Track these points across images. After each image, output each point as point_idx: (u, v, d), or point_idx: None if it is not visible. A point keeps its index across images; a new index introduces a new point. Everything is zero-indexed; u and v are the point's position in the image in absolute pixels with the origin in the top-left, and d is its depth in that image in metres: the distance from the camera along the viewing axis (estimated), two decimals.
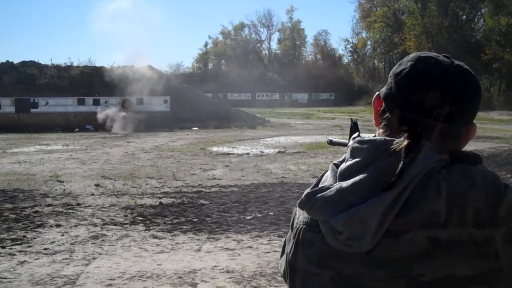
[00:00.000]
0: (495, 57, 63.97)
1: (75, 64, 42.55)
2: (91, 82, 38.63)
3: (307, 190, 1.40)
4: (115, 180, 14.28)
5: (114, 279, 6.84)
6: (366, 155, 1.34)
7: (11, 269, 7.25)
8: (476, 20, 76.07)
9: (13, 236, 8.85)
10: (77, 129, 33.02)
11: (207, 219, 10.01)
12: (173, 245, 8.39)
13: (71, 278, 6.89)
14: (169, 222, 9.82)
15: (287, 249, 1.50)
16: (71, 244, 8.45)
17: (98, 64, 42.77)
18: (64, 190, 12.83)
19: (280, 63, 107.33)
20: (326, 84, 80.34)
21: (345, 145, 2.29)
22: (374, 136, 1.44)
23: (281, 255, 1.62)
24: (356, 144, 1.38)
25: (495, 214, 1.26)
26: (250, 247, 8.26)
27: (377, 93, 1.49)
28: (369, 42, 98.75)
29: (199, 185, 13.49)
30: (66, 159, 18.75)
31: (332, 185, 1.35)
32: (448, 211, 1.26)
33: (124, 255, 7.89)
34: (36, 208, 10.87)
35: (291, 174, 15.10)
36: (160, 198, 11.86)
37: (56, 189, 12.91)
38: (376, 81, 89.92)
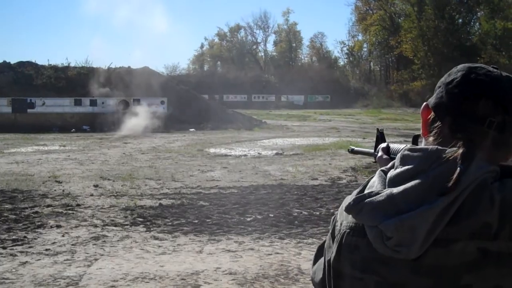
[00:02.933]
0: (491, 60, 63.99)
1: (72, 64, 42.44)
2: (88, 82, 38.57)
3: (354, 195, 1.41)
4: (113, 181, 14.26)
5: (117, 281, 6.83)
6: (418, 163, 1.35)
7: (13, 270, 7.23)
8: (472, 23, 76.24)
9: (13, 237, 8.83)
10: (73, 129, 32.98)
11: (208, 220, 10.00)
12: (174, 246, 8.38)
13: (73, 279, 6.87)
14: (170, 223, 9.81)
15: (330, 255, 1.49)
16: (72, 245, 8.44)
17: (95, 65, 42.64)
18: (63, 190, 12.80)
19: (276, 65, 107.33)
20: (322, 86, 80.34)
21: (369, 154, 2.27)
22: (426, 145, 1.44)
23: (314, 263, 1.63)
24: (407, 152, 1.39)
25: None
26: (252, 249, 8.25)
27: (425, 103, 1.50)
28: (365, 45, 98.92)
29: (198, 186, 13.48)
30: (63, 160, 18.72)
31: (382, 190, 1.35)
32: (500, 223, 1.26)
33: (126, 256, 7.87)
34: (36, 209, 10.85)
35: (289, 176, 15.10)
36: (159, 199, 11.84)
37: (55, 190, 12.89)
38: (372, 83, 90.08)
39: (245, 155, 20.21)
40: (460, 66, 1.48)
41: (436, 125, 1.45)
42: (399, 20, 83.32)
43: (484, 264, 1.25)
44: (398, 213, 1.30)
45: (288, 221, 9.93)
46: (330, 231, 1.52)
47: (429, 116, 1.48)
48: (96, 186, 13.41)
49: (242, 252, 8.09)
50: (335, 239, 1.47)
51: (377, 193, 1.35)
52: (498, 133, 1.37)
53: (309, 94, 79.12)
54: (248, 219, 10.11)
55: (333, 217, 1.54)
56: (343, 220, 1.46)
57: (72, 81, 38.96)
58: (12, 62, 40.58)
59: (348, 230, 1.43)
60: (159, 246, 8.38)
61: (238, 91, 75.83)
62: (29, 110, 34.85)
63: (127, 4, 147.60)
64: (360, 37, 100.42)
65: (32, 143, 25.09)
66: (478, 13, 73.92)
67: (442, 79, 1.49)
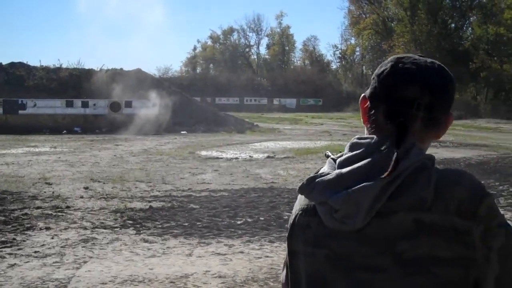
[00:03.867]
0: (483, 65, 64.33)
1: (64, 66, 42.26)
2: (80, 84, 38.45)
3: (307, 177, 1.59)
4: (104, 183, 14.22)
5: (106, 283, 6.81)
6: (365, 149, 1.53)
7: (2, 272, 7.20)
8: (464, 28, 76.43)
9: (2, 239, 8.79)
10: (65, 131, 32.87)
11: (198, 223, 9.99)
12: (164, 249, 8.36)
13: (62, 282, 6.85)
14: (160, 226, 9.79)
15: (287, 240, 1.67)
16: (62, 247, 8.40)
17: (87, 67, 42.57)
18: (53, 192, 12.76)
19: (269, 68, 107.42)
20: (314, 90, 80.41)
21: None
22: (371, 135, 1.60)
23: (283, 269, 1.76)
24: (356, 140, 1.57)
25: (475, 210, 1.43)
26: (242, 252, 8.24)
27: (362, 94, 1.68)
28: (358, 49, 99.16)
29: (189, 189, 13.46)
30: (54, 161, 18.65)
31: (332, 171, 1.54)
32: (434, 198, 1.44)
33: (115, 258, 7.85)
34: (25, 211, 10.80)
35: (280, 179, 15.10)
36: (150, 201, 11.81)
37: (45, 192, 12.84)
38: (364, 87, 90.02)
39: (236, 158, 20.20)
40: (390, 58, 1.66)
41: (371, 113, 1.63)
42: (392, 24, 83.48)
43: (418, 233, 1.42)
44: (346, 189, 1.47)
45: (278, 224, 9.92)
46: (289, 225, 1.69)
47: (366, 105, 1.65)
48: (86, 188, 13.37)
49: (232, 255, 8.08)
50: (290, 220, 1.66)
51: (327, 174, 1.53)
52: (427, 115, 1.55)
53: (302, 97, 79.12)
54: (239, 222, 10.10)
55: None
56: (297, 206, 1.65)
57: (64, 82, 38.84)
58: (3, 63, 40.43)
59: (300, 212, 1.62)
60: (149, 249, 8.36)
61: (230, 94, 75.78)
62: (20, 111, 34.69)
63: (120, 6, 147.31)
64: (353, 41, 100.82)
65: (23, 145, 24.99)
66: (471, 18, 74.16)
67: (376, 70, 1.66)
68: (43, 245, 8.51)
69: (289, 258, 1.65)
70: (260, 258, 7.93)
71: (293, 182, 14.48)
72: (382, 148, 1.50)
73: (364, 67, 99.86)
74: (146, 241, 8.83)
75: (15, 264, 7.55)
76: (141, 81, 36.94)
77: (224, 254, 8.11)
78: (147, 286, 6.71)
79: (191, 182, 14.45)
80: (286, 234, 1.69)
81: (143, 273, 7.21)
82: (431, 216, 1.42)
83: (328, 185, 1.50)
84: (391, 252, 1.43)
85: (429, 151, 1.66)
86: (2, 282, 6.83)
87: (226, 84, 79.19)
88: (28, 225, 9.71)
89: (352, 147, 1.56)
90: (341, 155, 1.58)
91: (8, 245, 8.47)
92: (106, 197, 12.32)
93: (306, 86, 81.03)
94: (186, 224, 9.94)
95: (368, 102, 1.64)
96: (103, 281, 6.91)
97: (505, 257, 1.44)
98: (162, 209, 11.16)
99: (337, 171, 1.51)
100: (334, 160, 1.58)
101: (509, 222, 1.49)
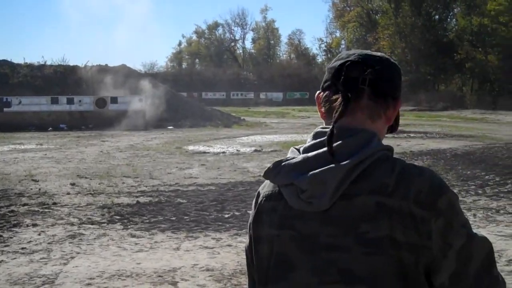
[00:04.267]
0: (467, 56, 64.68)
1: (48, 63, 42.07)
2: (65, 81, 38.30)
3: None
4: (91, 179, 14.17)
5: (93, 278, 6.79)
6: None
7: None
8: (448, 20, 76.66)
9: None
10: (50, 128, 32.72)
11: (185, 217, 9.98)
12: (151, 243, 8.35)
13: (49, 278, 6.82)
14: (147, 221, 9.78)
15: (250, 231, 1.73)
16: (49, 243, 8.37)
17: (71, 63, 42.35)
18: (39, 189, 12.70)
19: (255, 63, 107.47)
20: (300, 83, 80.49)
21: None
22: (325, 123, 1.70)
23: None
24: (320, 129, 1.64)
25: (434, 202, 1.48)
26: (229, 245, 8.25)
27: (317, 92, 1.74)
28: (343, 42, 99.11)
29: (176, 184, 13.45)
30: (40, 158, 18.57)
31: (297, 156, 1.60)
32: (395, 184, 1.50)
33: (102, 254, 7.83)
34: (12, 208, 10.75)
35: None
36: (137, 197, 11.79)
37: (31, 188, 12.78)
38: None
39: (223, 152, 20.19)
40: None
41: (326, 101, 1.68)
42: (376, 17, 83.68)
43: (380, 216, 1.48)
44: (311, 171, 1.53)
45: None
46: (252, 211, 1.75)
47: (319, 99, 1.72)
48: (73, 184, 13.32)
49: (220, 248, 8.08)
50: (253, 209, 1.72)
51: (293, 158, 1.60)
52: (373, 90, 1.62)
53: (288, 91, 79.21)
54: (226, 215, 10.11)
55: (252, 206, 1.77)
56: (260, 194, 1.71)
57: (49, 79, 38.67)
58: None
59: (263, 198, 1.68)
60: (136, 244, 8.34)
61: (216, 89, 75.74)
62: (5, 109, 34.47)
63: (103, 2, 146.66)
64: (338, 34, 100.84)
65: (9, 142, 24.85)
66: (455, 10, 74.37)
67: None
68: (30, 241, 8.47)
69: (254, 244, 1.70)
70: None
71: None
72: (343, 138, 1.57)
73: None
74: (133, 236, 8.81)
75: (2, 261, 7.52)
76: (126, 77, 36.82)
77: (212, 248, 8.11)
78: (134, 281, 6.70)
79: (178, 177, 14.43)
80: (249, 223, 1.75)
81: (131, 267, 7.20)
82: (391, 201, 1.48)
83: (294, 168, 1.56)
84: (355, 233, 1.49)
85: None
86: None
87: (212, 79, 79.15)
88: (15, 222, 9.66)
89: (316, 135, 1.63)
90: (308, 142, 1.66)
91: None
92: (93, 193, 12.28)
93: (292, 79, 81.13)
94: (174, 218, 9.93)
95: (322, 94, 1.71)
96: (91, 276, 6.89)
97: (464, 258, 1.49)
98: (149, 204, 11.14)
99: (303, 155, 1.58)
100: (298, 149, 1.65)
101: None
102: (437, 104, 59.38)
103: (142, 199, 11.51)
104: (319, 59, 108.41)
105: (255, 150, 20.57)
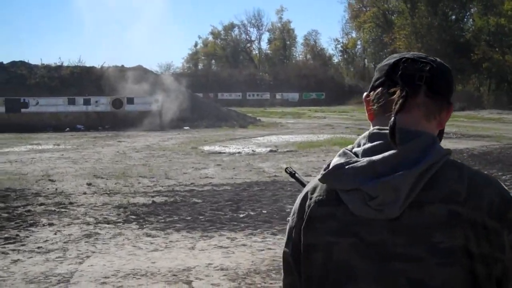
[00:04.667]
0: (484, 56, 64.08)
1: (65, 64, 42.34)
2: (81, 82, 38.51)
3: (322, 172, 1.58)
4: (107, 179, 14.24)
5: (108, 277, 6.82)
6: (387, 139, 1.51)
7: (5, 268, 7.22)
8: (465, 20, 76.11)
9: (6, 235, 8.81)
10: (67, 128, 32.90)
11: (200, 217, 10.00)
12: (166, 243, 8.38)
13: (65, 277, 6.86)
14: (162, 220, 9.81)
15: (295, 237, 1.66)
16: (64, 242, 8.43)
17: (88, 64, 42.64)
18: (56, 189, 12.78)
19: (271, 63, 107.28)
20: (316, 84, 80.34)
21: (301, 183, 2.27)
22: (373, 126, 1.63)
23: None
24: (376, 131, 1.57)
25: (505, 213, 1.46)
26: (244, 245, 8.25)
27: (364, 94, 1.71)
28: (359, 42, 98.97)
29: (192, 183, 13.47)
30: (57, 159, 18.68)
31: (360, 159, 1.53)
32: (467, 193, 1.46)
33: (118, 253, 7.87)
34: (29, 207, 10.83)
35: (283, 172, 15.02)
36: (152, 196, 11.83)
37: (48, 188, 12.86)
38: (366, 80, 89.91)
39: (239, 153, 20.20)
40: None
41: (379, 99, 1.63)
42: (392, 17, 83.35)
43: (453, 225, 1.43)
44: (378, 176, 1.47)
45: (281, 217, 9.93)
46: (295, 214, 1.68)
47: (370, 98, 1.67)
48: (89, 184, 13.39)
49: (234, 248, 8.09)
50: (304, 215, 1.63)
51: (356, 161, 1.52)
52: (429, 88, 1.57)
53: (304, 91, 79.08)
54: (241, 215, 10.12)
55: (295, 204, 1.71)
56: (307, 197, 1.64)
57: (66, 80, 38.90)
58: (4, 62, 40.51)
59: (316, 203, 1.60)
60: (151, 243, 8.37)
61: (232, 89, 75.79)
62: (22, 110, 34.71)
63: (120, 4, 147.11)
64: (354, 35, 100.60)
65: (26, 143, 25.02)
66: (471, 10, 73.82)
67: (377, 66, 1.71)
68: (46, 240, 8.53)
69: (305, 252, 1.61)
70: (263, 250, 7.94)
71: None
72: (408, 140, 1.51)
73: (366, 60, 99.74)
74: (148, 235, 8.85)
75: (18, 259, 7.58)
76: (143, 78, 36.95)
77: (227, 247, 8.12)
78: (149, 280, 6.73)
79: (194, 177, 14.46)
80: (291, 227, 1.69)
81: (146, 266, 7.23)
82: (464, 210, 1.44)
83: (360, 172, 1.49)
84: (427, 242, 1.44)
85: None
86: (5, 277, 6.86)
87: (228, 80, 79.20)
88: (31, 222, 9.74)
89: (373, 136, 1.57)
90: (356, 147, 1.60)
91: (11, 241, 8.50)
92: (109, 193, 12.34)
93: (308, 80, 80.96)
94: (189, 218, 9.95)
95: (372, 94, 1.66)
96: (106, 275, 6.92)
97: None
98: (165, 204, 11.18)
99: (367, 158, 1.51)
100: (350, 151, 1.58)
101: None
102: (454, 104, 58.95)
103: (157, 199, 11.55)
104: (335, 60, 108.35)
105: (271, 151, 20.55)
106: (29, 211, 10.56)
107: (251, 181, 13.74)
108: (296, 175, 2.31)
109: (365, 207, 1.48)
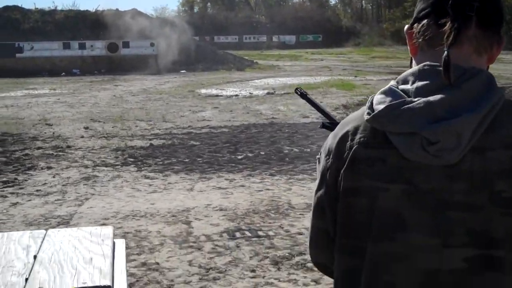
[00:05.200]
0: None
1: (59, 8, 41.85)
2: (76, 26, 38.07)
3: (366, 110, 1.44)
4: (104, 122, 14.21)
5: (108, 219, 6.85)
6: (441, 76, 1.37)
7: (4, 211, 7.24)
8: None
9: (4, 179, 8.82)
10: (63, 73, 32.69)
11: (198, 159, 10.01)
12: (165, 185, 8.39)
13: (64, 219, 6.89)
14: (161, 162, 9.81)
15: (330, 178, 1.52)
16: (63, 185, 8.44)
17: (82, 8, 42.10)
18: (53, 133, 12.76)
19: (267, 5, 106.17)
20: (313, 26, 79.60)
21: (322, 113, 2.17)
22: (417, 63, 1.48)
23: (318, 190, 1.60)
24: (428, 67, 1.41)
25: None
26: (242, 185, 8.27)
27: (406, 26, 1.54)
28: None
29: (189, 126, 13.45)
30: (53, 103, 18.60)
31: (416, 99, 1.37)
32: None
33: (116, 195, 7.89)
34: (26, 151, 10.82)
35: (281, 114, 15.07)
36: (150, 139, 11.83)
37: (45, 132, 12.83)
38: (363, 22, 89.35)
39: (236, 95, 20.12)
40: None
41: (424, 28, 1.46)
42: None
43: None
44: (436, 119, 1.33)
45: (279, 158, 9.94)
46: (326, 154, 1.55)
47: (413, 31, 1.50)
48: (86, 128, 13.36)
49: (233, 189, 8.11)
50: (344, 157, 1.48)
51: (411, 101, 1.37)
52: (480, 18, 1.40)
53: (301, 34, 78.43)
54: (239, 157, 10.12)
55: (325, 143, 1.57)
56: (348, 138, 1.49)
57: (60, 25, 38.44)
58: None
59: (361, 145, 1.45)
60: (150, 185, 8.39)
61: (229, 33, 75.08)
62: (17, 55, 34.41)
63: None
64: None
65: (22, 87, 24.86)
66: None
67: None
68: (45, 184, 8.54)
69: (346, 196, 1.48)
70: (261, 191, 7.96)
71: (293, 117, 14.49)
72: (467, 78, 1.37)
73: (363, 1, 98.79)
74: (147, 177, 8.86)
75: (17, 202, 7.59)
76: (138, 21, 36.53)
77: (225, 188, 8.14)
78: (149, 221, 6.75)
79: (191, 120, 14.43)
80: (324, 169, 1.54)
81: (145, 208, 7.25)
82: None
83: (417, 114, 1.35)
84: (488, 190, 1.34)
85: None
86: (4, 220, 6.88)
87: (224, 23, 78.45)
88: (30, 165, 9.73)
89: (424, 74, 1.41)
90: (401, 83, 1.45)
91: (10, 184, 8.50)
92: (106, 136, 12.32)
93: (305, 22, 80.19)
94: (187, 160, 9.96)
95: (415, 26, 1.49)
96: (105, 216, 6.95)
97: None
98: (162, 146, 11.17)
99: (425, 99, 1.36)
100: (397, 88, 1.44)
101: None
102: None
103: (155, 142, 11.55)
104: (332, 1, 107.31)
105: (268, 93, 20.47)
106: (26, 155, 10.55)
107: (249, 123, 13.72)
108: (308, 96, 2.19)
109: (421, 152, 1.35)
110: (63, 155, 10.53)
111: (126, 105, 17.87)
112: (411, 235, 1.39)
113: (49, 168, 9.53)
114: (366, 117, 1.43)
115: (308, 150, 10.50)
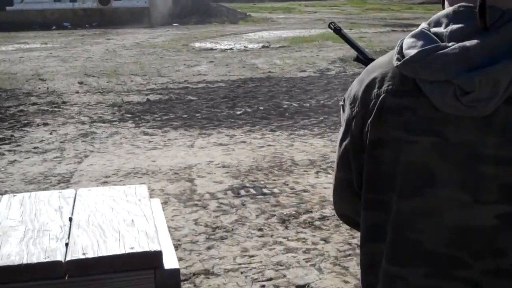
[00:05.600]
0: None
1: None
2: None
3: (395, 54, 1.34)
4: (98, 77, 13.99)
5: (109, 176, 6.75)
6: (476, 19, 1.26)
7: (2, 169, 7.14)
8: None
9: (0, 136, 8.67)
10: (54, 26, 32.21)
11: (197, 115, 9.88)
12: (165, 141, 8.28)
13: (65, 177, 6.79)
14: (159, 118, 9.69)
15: (355, 128, 1.44)
16: (61, 142, 8.32)
17: None
18: (47, 88, 12.55)
19: None
20: None
21: (356, 49, 2.04)
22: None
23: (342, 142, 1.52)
24: (463, 9, 1.29)
25: None
26: (243, 142, 8.18)
27: None
28: None
29: (185, 81, 13.27)
30: (46, 57, 18.30)
31: (450, 44, 1.27)
32: None
33: (116, 152, 7.78)
34: (21, 107, 10.65)
35: (277, 68, 14.88)
36: (146, 95, 11.66)
37: (39, 88, 12.63)
38: None
39: (231, 49, 19.85)
40: None
41: None
42: None
43: None
44: (472, 67, 1.23)
45: (279, 113, 9.83)
46: (350, 102, 1.46)
47: None
48: (81, 83, 13.16)
49: (234, 145, 8.01)
50: (370, 106, 1.39)
51: (445, 46, 1.26)
52: None
53: None
54: (238, 112, 10.01)
55: (349, 89, 1.49)
56: (375, 85, 1.39)
57: None
58: None
59: (389, 93, 1.36)
60: (150, 142, 8.28)
61: None
62: (7, 8, 33.89)
63: None
64: None
65: (13, 42, 24.45)
66: None
67: None
68: (42, 140, 8.41)
69: (372, 147, 1.40)
70: (263, 147, 7.87)
71: (290, 71, 14.31)
72: (505, 20, 1.26)
73: None
74: (146, 133, 8.74)
75: (15, 160, 7.48)
76: None
77: (226, 144, 8.04)
78: (151, 178, 6.66)
79: (186, 74, 14.24)
80: (349, 118, 1.46)
81: (146, 165, 7.16)
82: None
83: (452, 60, 1.24)
84: None
85: None
86: (3, 178, 6.77)
87: None
88: (25, 122, 9.59)
89: (459, 16, 1.30)
90: (433, 26, 1.34)
91: (6, 142, 8.38)
92: (102, 91, 12.14)
93: None
94: (185, 116, 9.83)
95: None
96: (106, 174, 6.85)
97: None
98: (159, 101, 11.02)
99: (460, 44, 1.25)
100: (427, 29, 1.34)
101: None
102: None
103: (152, 97, 11.39)
104: None
105: (263, 46, 20.20)
106: (22, 111, 10.38)
107: (246, 78, 13.54)
108: (342, 32, 2.05)
109: (454, 102, 1.25)
110: (59, 111, 10.37)
111: (120, 59, 17.60)
112: (440, 191, 1.31)
113: (45, 124, 9.39)
114: (395, 62, 1.33)
115: (307, 105, 10.38)
